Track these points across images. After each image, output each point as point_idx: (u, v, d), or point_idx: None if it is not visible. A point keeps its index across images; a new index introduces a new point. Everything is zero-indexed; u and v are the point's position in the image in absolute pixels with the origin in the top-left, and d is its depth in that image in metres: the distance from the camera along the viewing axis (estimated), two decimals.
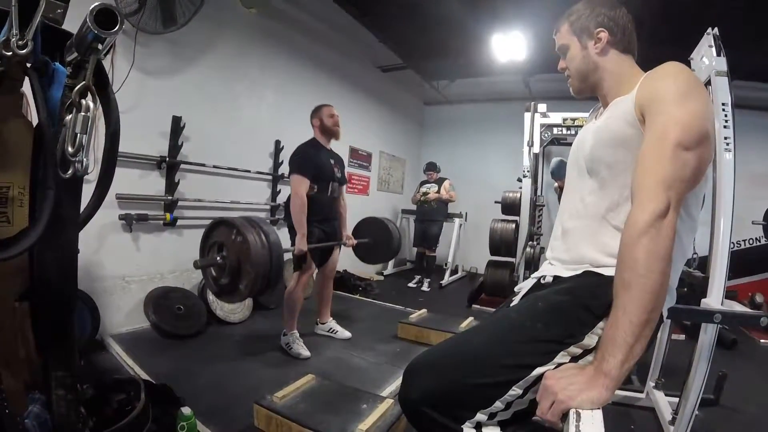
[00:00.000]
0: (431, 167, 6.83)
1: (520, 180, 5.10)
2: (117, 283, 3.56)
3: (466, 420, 1.08)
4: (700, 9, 4.12)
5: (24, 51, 0.76)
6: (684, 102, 1.01)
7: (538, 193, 5.59)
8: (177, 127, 3.87)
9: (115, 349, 3.20)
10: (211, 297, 3.94)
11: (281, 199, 5.08)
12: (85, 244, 0.99)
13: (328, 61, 5.99)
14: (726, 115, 2.10)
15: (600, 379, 0.91)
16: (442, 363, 1.17)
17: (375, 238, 4.31)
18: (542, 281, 1.32)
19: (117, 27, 0.79)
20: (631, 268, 0.93)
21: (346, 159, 5.40)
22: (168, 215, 3.86)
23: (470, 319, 4.16)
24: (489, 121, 8.48)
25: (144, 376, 2.70)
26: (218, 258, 2.49)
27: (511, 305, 1.34)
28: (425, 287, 6.60)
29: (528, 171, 4.93)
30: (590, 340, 1.05)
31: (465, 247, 7.94)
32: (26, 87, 0.88)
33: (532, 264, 4.90)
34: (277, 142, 5.13)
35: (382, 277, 7.10)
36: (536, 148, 4.86)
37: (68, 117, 0.82)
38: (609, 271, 1.07)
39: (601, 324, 1.05)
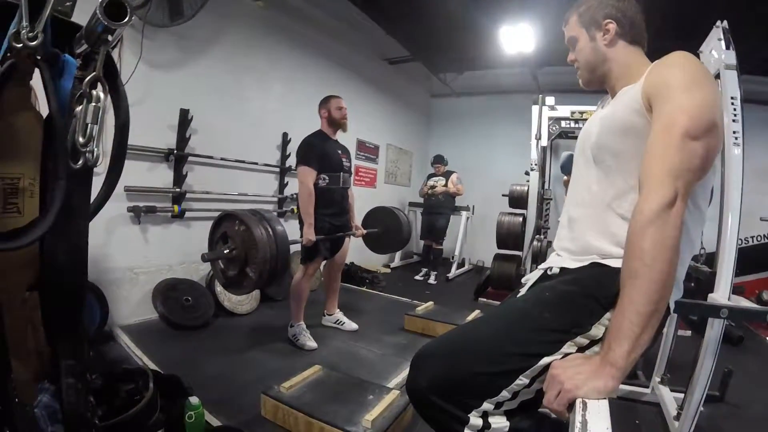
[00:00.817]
0: (438, 160, 6.82)
1: (527, 173, 5.09)
2: (125, 275, 3.59)
3: (473, 409, 1.08)
4: (708, 2, 4.08)
5: (34, 43, 0.76)
6: (692, 91, 1.00)
7: (546, 186, 5.59)
8: (184, 119, 3.88)
9: (123, 340, 3.23)
10: (218, 288, 3.96)
11: (289, 191, 5.10)
12: (93, 236, 0.99)
13: (336, 53, 5.98)
14: (735, 110, 2.08)
15: (606, 368, 0.91)
16: (449, 352, 1.17)
17: (385, 227, 4.31)
18: (549, 272, 1.32)
19: (127, 18, 0.79)
20: (638, 258, 0.93)
21: (353, 151, 5.38)
22: (176, 207, 3.88)
23: (477, 312, 4.16)
24: (497, 114, 8.43)
25: (152, 366, 2.73)
26: (225, 251, 2.51)
27: (518, 296, 1.35)
28: (432, 280, 6.62)
29: (536, 164, 4.92)
30: (597, 330, 1.06)
31: (472, 240, 7.94)
32: (34, 80, 0.89)
33: (539, 257, 4.90)
34: (285, 135, 5.14)
35: (389, 270, 7.12)
36: (544, 142, 4.85)
37: (78, 108, 0.83)
38: (615, 262, 1.07)
39: (608, 314, 1.05)
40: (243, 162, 4.55)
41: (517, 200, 5.50)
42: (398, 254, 7.59)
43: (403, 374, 2.85)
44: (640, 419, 2.64)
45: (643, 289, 0.91)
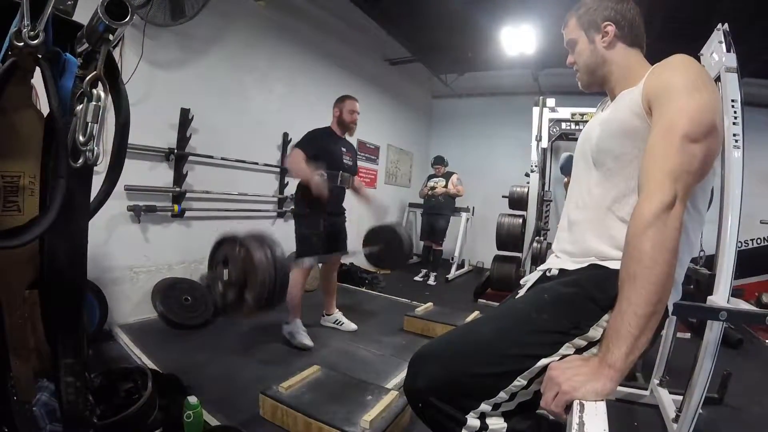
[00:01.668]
0: (439, 161, 6.82)
1: (527, 175, 5.09)
2: (125, 274, 3.59)
3: (471, 410, 1.08)
4: (710, 5, 4.09)
5: (35, 42, 0.77)
6: (692, 94, 1.00)
7: (546, 188, 5.58)
8: (185, 119, 3.88)
9: (123, 339, 3.22)
10: (218, 288, 3.96)
11: (289, 191, 5.10)
12: (93, 235, 0.99)
13: (337, 53, 5.98)
14: (735, 112, 2.08)
15: (604, 370, 0.92)
16: (447, 353, 1.17)
17: (386, 244, 4.31)
18: (548, 274, 1.32)
19: (128, 18, 0.80)
20: (637, 260, 0.94)
21: None
22: (176, 207, 3.88)
23: (476, 313, 4.15)
24: (497, 116, 8.43)
25: (151, 365, 2.72)
26: (224, 273, 2.53)
27: (517, 297, 1.35)
28: (431, 281, 6.62)
29: (536, 166, 4.93)
30: (595, 332, 1.06)
31: (472, 242, 7.94)
32: (36, 78, 0.89)
33: (539, 259, 4.90)
34: (285, 135, 5.13)
35: (388, 271, 7.10)
36: (544, 143, 4.86)
37: (79, 107, 0.83)
38: (615, 264, 1.07)
39: (606, 316, 1.05)
40: (243, 162, 4.55)
41: (517, 202, 5.50)
42: None
43: (402, 375, 2.83)
44: (638, 421, 2.65)
45: (642, 291, 0.91)
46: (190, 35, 3.84)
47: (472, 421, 1.08)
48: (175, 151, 3.82)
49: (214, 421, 2.20)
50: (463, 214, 7.45)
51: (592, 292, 1.09)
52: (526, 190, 5.27)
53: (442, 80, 8.07)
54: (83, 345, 1.04)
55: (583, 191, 1.26)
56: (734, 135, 2.08)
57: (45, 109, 0.88)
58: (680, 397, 2.32)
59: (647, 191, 0.97)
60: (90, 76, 0.84)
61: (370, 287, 5.77)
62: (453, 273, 7.06)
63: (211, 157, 4.20)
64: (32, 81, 0.91)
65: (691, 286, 2.35)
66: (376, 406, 2.20)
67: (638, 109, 1.10)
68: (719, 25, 2.24)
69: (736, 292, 2.13)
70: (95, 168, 0.91)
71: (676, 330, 2.82)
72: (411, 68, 7.60)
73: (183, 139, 3.87)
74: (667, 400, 2.63)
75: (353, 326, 3.86)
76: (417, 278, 6.74)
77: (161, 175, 3.80)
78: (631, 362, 0.92)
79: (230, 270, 2.45)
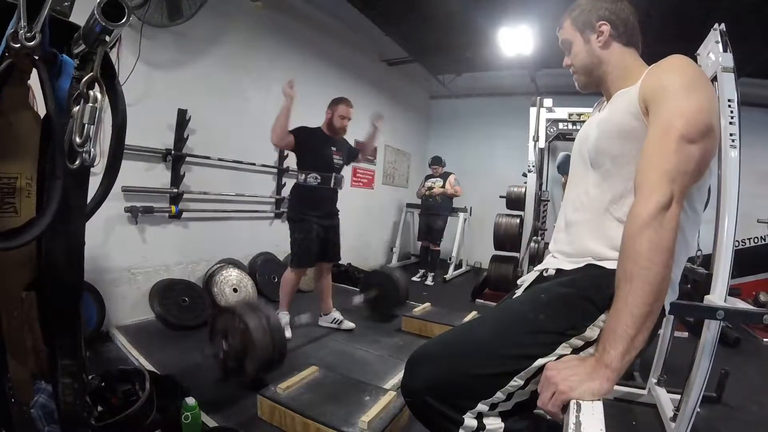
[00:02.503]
0: (436, 161, 6.83)
1: (525, 175, 5.10)
2: (123, 275, 3.58)
3: (468, 410, 1.09)
4: (708, 5, 4.09)
5: (32, 43, 0.76)
6: (689, 94, 1.01)
7: (543, 188, 5.59)
8: (182, 119, 3.87)
9: (120, 341, 3.22)
10: (215, 289, 3.96)
11: (286, 192, 5.09)
12: (91, 236, 0.99)
13: (335, 54, 5.98)
14: (732, 112, 2.09)
15: (601, 370, 0.92)
16: (444, 353, 1.18)
17: (383, 290, 4.32)
18: (545, 274, 1.33)
19: (125, 19, 0.80)
20: (633, 260, 0.94)
21: None
22: (173, 208, 3.87)
23: (474, 313, 4.15)
24: (495, 116, 8.43)
25: (149, 366, 2.73)
26: (224, 345, 2.59)
27: (514, 297, 1.35)
28: (429, 281, 6.63)
29: (533, 166, 4.94)
30: (592, 332, 1.06)
31: (469, 242, 7.95)
32: (32, 80, 0.89)
33: (537, 259, 4.89)
34: None
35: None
36: (542, 143, 4.87)
37: (76, 108, 0.83)
38: (612, 264, 1.07)
39: (603, 316, 1.05)
40: (241, 162, 4.54)
41: (515, 202, 5.51)
42: (395, 255, 7.58)
43: (400, 375, 2.83)
44: (636, 420, 2.65)
45: (638, 292, 0.91)
46: (188, 36, 3.83)
47: (470, 421, 1.08)
48: (173, 152, 3.82)
49: (212, 423, 2.20)
50: (461, 215, 7.45)
51: (589, 292, 1.09)
52: (523, 190, 5.29)
53: (440, 81, 8.06)
54: (81, 346, 1.04)
55: (581, 192, 1.27)
56: (731, 135, 2.08)
57: (42, 111, 0.88)
58: (678, 396, 2.33)
59: (644, 192, 0.97)
60: (87, 77, 0.84)
61: None
62: (451, 273, 7.08)
63: (208, 157, 4.19)
64: (29, 82, 0.91)
65: (689, 285, 2.36)
66: (374, 407, 2.20)
67: (635, 109, 1.10)
68: (716, 25, 2.24)
69: (733, 291, 2.14)
70: (92, 169, 0.91)
71: (673, 329, 2.83)
72: (408, 69, 7.59)
73: (180, 139, 3.87)
74: (665, 399, 2.63)
75: (351, 324, 3.87)
76: (415, 278, 6.74)
77: (158, 176, 3.79)
78: (628, 362, 0.92)
79: (230, 342, 2.57)
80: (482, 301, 5.55)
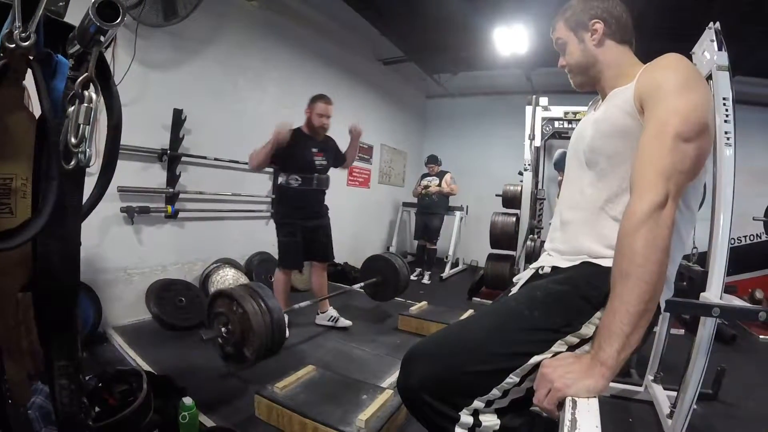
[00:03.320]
0: (432, 160, 6.84)
1: (521, 173, 5.10)
2: (119, 276, 3.57)
3: (464, 407, 1.09)
4: (704, 4, 4.11)
5: (27, 43, 0.76)
6: (684, 93, 1.01)
7: (539, 186, 5.60)
8: (178, 119, 3.87)
9: (117, 341, 3.21)
10: (212, 289, 3.95)
11: None
12: (87, 237, 0.99)
13: (330, 53, 5.97)
14: (727, 110, 2.09)
15: (596, 367, 0.92)
16: (440, 350, 1.18)
17: (383, 276, 4.34)
18: (540, 272, 1.33)
19: (119, 19, 0.80)
20: (628, 258, 0.94)
21: None
22: (169, 208, 3.87)
23: (470, 311, 4.15)
24: (491, 115, 8.46)
25: (146, 367, 2.72)
26: (223, 330, 2.57)
27: (510, 295, 1.35)
28: (426, 280, 6.63)
29: (529, 164, 4.94)
30: (587, 329, 1.07)
31: (466, 240, 7.96)
32: (27, 80, 0.89)
33: (533, 257, 4.89)
34: None
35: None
36: (537, 142, 4.87)
37: (71, 108, 0.83)
38: (607, 262, 1.07)
39: (598, 314, 1.06)
40: (237, 162, 4.53)
41: (511, 200, 5.53)
42: None
43: (397, 374, 2.85)
44: (633, 417, 2.66)
45: (634, 289, 0.92)
46: (183, 36, 3.82)
47: (466, 418, 1.09)
48: (169, 152, 3.81)
49: (209, 422, 2.20)
50: (457, 213, 7.47)
51: (585, 289, 1.10)
52: (519, 188, 5.28)
53: (436, 80, 8.07)
54: (77, 347, 1.04)
55: (576, 191, 1.27)
56: (726, 133, 2.08)
57: (37, 111, 0.88)
58: (675, 393, 2.34)
59: (639, 190, 0.97)
60: (82, 77, 0.84)
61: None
62: (447, 272, 7.09)
63: (204, 157, 4.19)
64: (24, 83, 0.90)
65: (684, 283, 2.37)
66: (371, 406, 2.19)
67: (630, 108, 1.11)
68: (711, 24, 2.25)
69: (729, 289, 2.15)
70: (88, 169, 0.91)
71: (669, 326, 2.83)
72: (404, 68, 7.60)
73: (176, 139, 3.86)
74: (662, 396, 2.64)
75: (348, 322, 3.88)
76: (411, 277, 6.70)
77: (154, 176, 3.79)
78: (623, 359, 0.92)
79: (229, 328, 2.55)
80: (479, 299, 5.57)
